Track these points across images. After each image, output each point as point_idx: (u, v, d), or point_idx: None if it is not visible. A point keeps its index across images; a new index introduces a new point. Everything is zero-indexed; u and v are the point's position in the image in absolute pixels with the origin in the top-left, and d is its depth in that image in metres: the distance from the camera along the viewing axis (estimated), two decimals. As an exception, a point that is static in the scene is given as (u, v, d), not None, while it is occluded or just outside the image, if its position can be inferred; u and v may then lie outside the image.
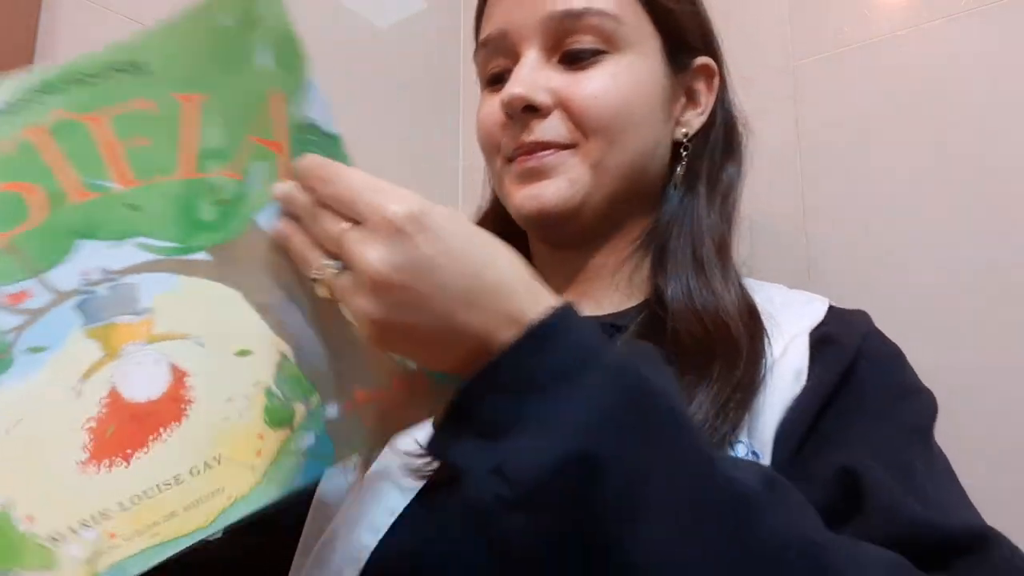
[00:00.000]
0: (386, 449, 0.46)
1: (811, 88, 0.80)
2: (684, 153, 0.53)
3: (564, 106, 0.48)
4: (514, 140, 0.49)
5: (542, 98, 0.48)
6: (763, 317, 0.47)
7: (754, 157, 0.83)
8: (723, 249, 0.51)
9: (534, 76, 0.48)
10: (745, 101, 0.88)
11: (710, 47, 0.56)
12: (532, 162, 0.49)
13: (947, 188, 0.71)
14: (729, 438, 0.40)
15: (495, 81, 0.53)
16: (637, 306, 0.51)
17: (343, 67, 1.01)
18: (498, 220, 0.56)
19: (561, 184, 0.48)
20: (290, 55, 0.32)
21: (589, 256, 0.53)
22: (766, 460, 0.41)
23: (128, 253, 0.31)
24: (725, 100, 0.57)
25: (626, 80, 0.49)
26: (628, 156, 0.50)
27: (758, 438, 0.42)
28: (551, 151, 0.48)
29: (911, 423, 0.43)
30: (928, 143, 0.72)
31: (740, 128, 0.57)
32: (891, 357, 0.47)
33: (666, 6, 0.52)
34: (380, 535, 0.42)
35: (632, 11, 0.50)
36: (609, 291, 0.53)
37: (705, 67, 0.55)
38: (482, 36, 0.53)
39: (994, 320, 0.66)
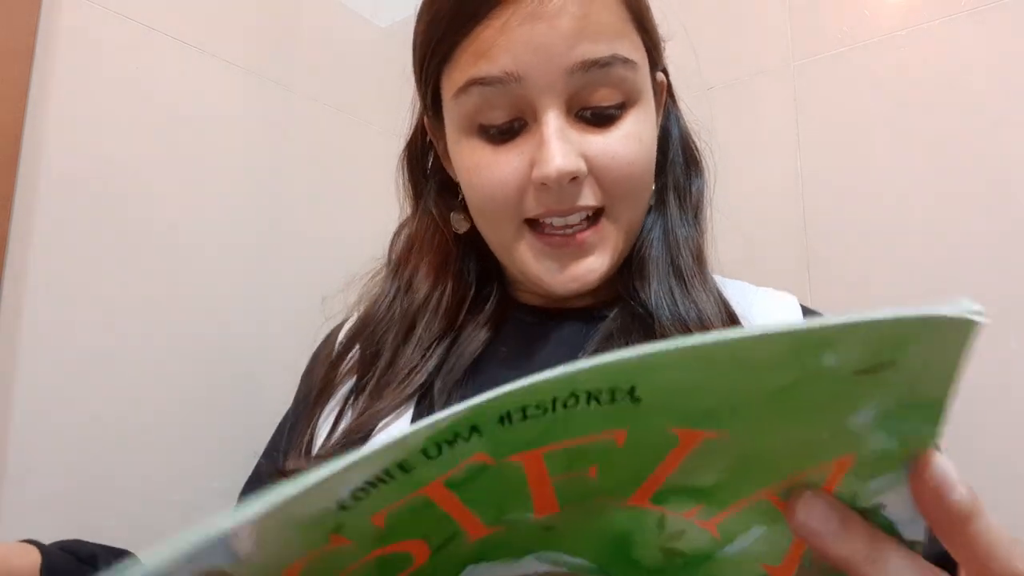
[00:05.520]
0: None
1: (811, 88, 0.80)
2: None
3: (597, 175, 0.46)
4: (542, 204, 0.46)
5: (582, 167, 0.45)
6: (741, 319, 0.49)
7: (754, 157, 0.84)
8: (700, 258, 0.52)
9: (569, 143, 0.45)
10: (745, 101, 0.88)
11: (663, 62, 0.55)
12: (571, 246, 0.47)
13: (947, 188, 0.71)
14: None
15: (498, 134, 0.47)
16: (613, 300, 0.52)
17: (343, 67, 1.01)
18: (437, 232, 0.55)
19: (605, 260, 0.48)
20: (926, 420, 0.21)
21: None
22: None
23: (525, 564, 0.25)
24: (676, 112, 0.57)
25: (646, 136, 0.48)
26: (645, 205, 0.51)
27: None
28: (587, 230, 0.47)
29: None
30: (928, 143, 0.72)
31: (695, 139, 0.57)
32: None
33: (657, 41, 0.50)
34: None
35: (639, 49, 0.48)
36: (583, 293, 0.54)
37: (661, 83, 0.54)
38: (481, 72, 0.45)
39: (995, 319, 0.66)
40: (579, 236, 0.47)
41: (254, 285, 0.85)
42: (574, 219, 0.47)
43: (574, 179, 0.45)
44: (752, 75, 0.85)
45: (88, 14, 0.71)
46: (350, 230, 0.97)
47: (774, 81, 0.83)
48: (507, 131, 0.47)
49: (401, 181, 0.59)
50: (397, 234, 0.59)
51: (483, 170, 0.47)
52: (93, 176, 0.70)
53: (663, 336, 0.46)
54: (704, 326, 0.46)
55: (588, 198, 0.46)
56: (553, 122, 0.44)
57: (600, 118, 0.46)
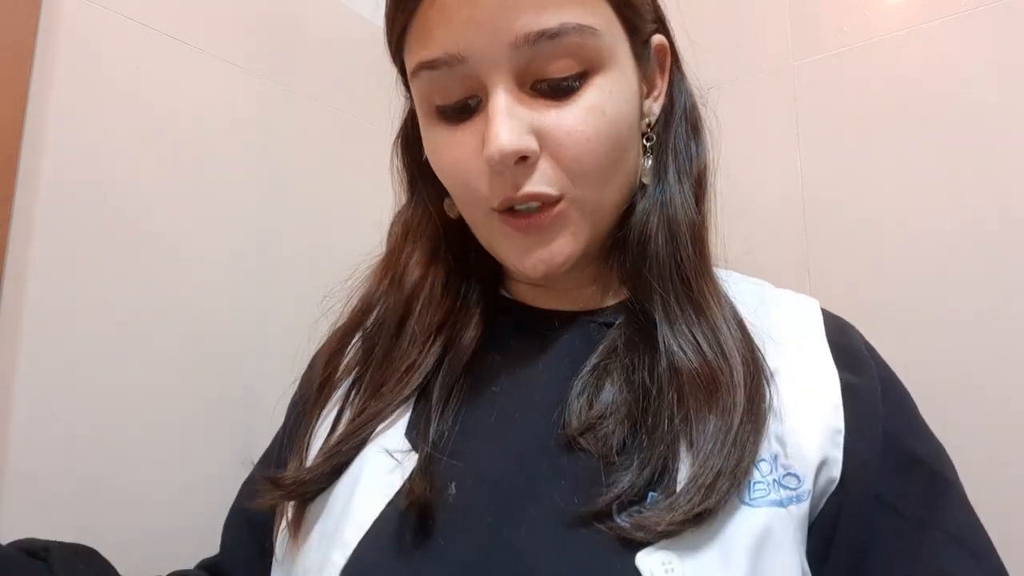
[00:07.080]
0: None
1: (811, 88, 0.80)
2: (648, 144, 0.49)
3: (552, 152, 0.43)
4: (499, 191, 0.44)
5: (531, 146, 0.42)
6: (752, 332, 0.46)
7: (754, 157, 0.84)
8: (703, 252, 0.48)
9: (517, 120, 0.42)
10: (745, 101, 0.88)
11: (661, 21, 0.50)
12: (531, 230, 0.44)
13: (947, 188, 0.71)
14: (748, 465, 0.39)
15: (454, 113, 0.45)
16: (615, 306, 0.50)
17: (343, 67, 1.01)
18: (430, 221, 0.54)
19: (571, 243, 0.45)
20: None
21: None
22: (807, 484, 0.41)
23: None
24: (680, 77, 0.53)
25: (612, 108, 0.43)
26: (617, 186, 0.47)
27: (796, 459, 0.41)
28: (546, 211, 0.44)
29: (959, 489, 0.45)
30: (928, 143, 0.72)
31: (699, 105, 0.53)
32: (912, 411, 0.48)
33: (636, 4, 0.46)
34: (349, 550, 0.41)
35: (602, 12, 0.43)
36: (580, 288, 0.51)
37: (660, 47, 0.50)
38: (425, 56, 0.43)
39: (994, 319, 0.66)
40: (538, 217, 0.44)
41: (254, 286, 0.85)
42: (535, 205, 0.44)
43: (524, 159, 0.42)
44: (752, 75, 0.85)
45: (88, 14, 0.71)
46: (350, 230, 0.96)
47: (774, 81, 0.83)
48: (463, 109, 0.44)
49: (396, 170, 0.57)
50: (394, 224, 0.57)
51: (443, 150, 0.46)
52: (93, 176, 0.70)
53: (670, 356, 0.43)
54: (721, 347, 0.43)
55: (540, 183, 0.43)
56: (501, 98, 0.42)
57: (557, 90, 0.42)
